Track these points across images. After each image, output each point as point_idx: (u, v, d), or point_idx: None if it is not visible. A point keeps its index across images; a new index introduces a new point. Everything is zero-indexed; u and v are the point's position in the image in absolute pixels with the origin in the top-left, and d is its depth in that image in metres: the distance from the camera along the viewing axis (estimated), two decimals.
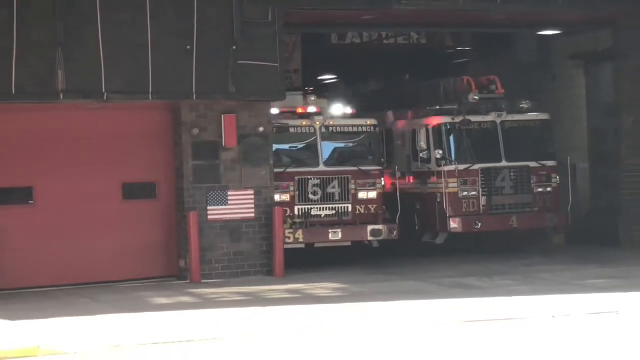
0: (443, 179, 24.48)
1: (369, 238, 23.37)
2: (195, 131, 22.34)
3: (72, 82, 20.65)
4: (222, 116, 22.44)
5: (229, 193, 22.60)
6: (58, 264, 21.43)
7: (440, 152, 24.65)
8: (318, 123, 23.56)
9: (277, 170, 22.77)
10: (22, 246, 21.11)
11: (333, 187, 23.35)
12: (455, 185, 24.70)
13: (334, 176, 23.48)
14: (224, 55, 21.83)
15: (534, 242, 26.36)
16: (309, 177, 23.30)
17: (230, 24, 21.97)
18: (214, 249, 22.26)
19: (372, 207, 23.70)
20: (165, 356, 14.32)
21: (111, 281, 21.68)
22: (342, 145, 24.39)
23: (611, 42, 26.44)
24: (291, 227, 22.43)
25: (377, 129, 24.49)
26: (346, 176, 23.59)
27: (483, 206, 24.98)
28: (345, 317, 17.01)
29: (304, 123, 23.63)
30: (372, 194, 23.74)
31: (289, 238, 22.28)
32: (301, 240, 22.59)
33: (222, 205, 22.46)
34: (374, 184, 23.82)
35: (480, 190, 24.90)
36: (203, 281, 21.72)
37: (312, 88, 27.77)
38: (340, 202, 23.46)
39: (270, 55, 22.20)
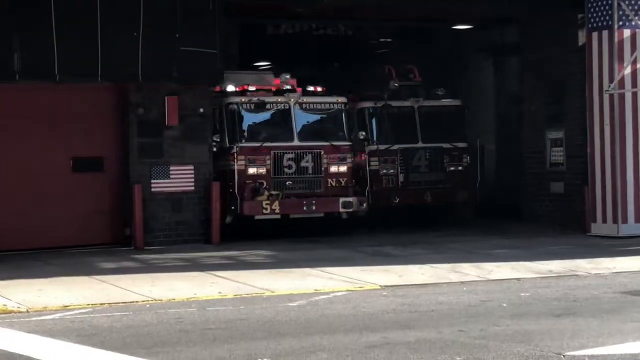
0: (366, 158, 24.34)
1: (341, 210, 22.40)
2: (141, 111, 22.25)
3: (27, 64, 20.62)
4: (165, 97, 22.23)
5: (171, 168, 22.47)
6: (14, 230, 21.07)
7: (364, 133, 24.54)
8: (292, 100, 22.53)
9: (253, 144, 22.17)
10: None
11: (307, 161, 22.33)
12: (377, 163, 24.59)
13: (307, 151, 22.51)
14: (168, 42, 21.72)
15: (446, 216, 26.41)
16: (284, 151, 22.31)
17: (174, 13, 21.78)
18: (157, 219, 22.16)
19: (343, 180, 22.77)
20: (112, 315, 14.26)
21: (62, 246, 21.43)
22: (314, 121, 23.51)
23: (517, 37, 26.60)
24: (268, 199, 21.53)
25: (347, 106, 23.61)
26: (319, 151, 22.57)
27: (401, 182, 25.31)
28: (268, 280, 17.40)
29: (279, 99, 22.62)
30: (343, 168, 22.82)
31: (266, 209, 21.47)
32: (277, 211, 21.65)
33: (164, 178, 22.37)
34: (344, 159, 22.90)
35: (399, 168, 25.19)
36: (146, 248, 21.58)
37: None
38: (313, 175, 22.52)
39: (210, 43, 22.04)
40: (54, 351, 11.51)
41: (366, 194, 23.04)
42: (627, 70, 22.71)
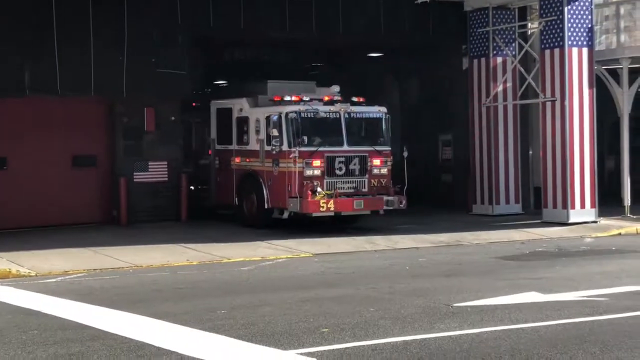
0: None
1: (385, 207, 20.05)
2: (125, 119, 21.96)
3: (35, 81, 20.33)
4: (145, 108, 21.98)
5: (149, 163, 22.14)
6: (26, 211, 20.82)
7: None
8: (342, 109, 20.10)
9: (310, 148, 19.51)
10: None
11: (354, 164, 19.85)
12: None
13: (355, 154, 19.96)
14: (146, 65, 21.42)
15: None
16: (336, 155, 19.76)
17: (151, 42, 21.56)
18: (138, 203, 21.80)
19: (384, 181, 20.24)
20: (102, 278, 14.01)
21: (64, 224, 21.03)
22: (360, 127, 20.75)
23: (416, 63, 26.58)
24: (324, 198, 19.08)
25: (387, 115, 20.99)
26: (365, 154, 20.05)
27: None
28: (226, 250, 17.17)
29: (332, 109, 20.15)
30: (384, 170, 20.30)
31: (323, 207, 18.93)
32: (332, 209, 19.13)
33: (144, 172, 22.05)
34: (385, 162, 20.37)
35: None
36: (129, 226, 21.22)
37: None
38: (360, 176, 19.94)
39: (180, 66, 21.79)
40: (58, 306, 11.36)
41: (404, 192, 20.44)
42: (500, 88, 22.96)
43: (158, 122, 22.26)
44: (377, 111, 20.84)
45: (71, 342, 9.11)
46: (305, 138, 19.44)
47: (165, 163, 22.39)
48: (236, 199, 21.16)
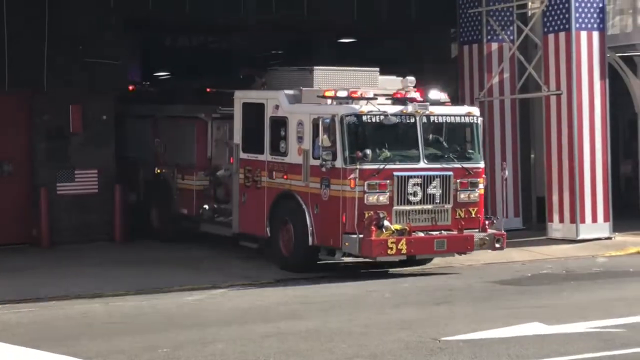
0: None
1: (475, 249, 17.01)
2: (46, 117, 21.68)
3: None
4: (70, 106, 21.74)
5: (76, 171, 21.96)
6: None
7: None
8: (419, 111, 16.78)
9: (374, 166, 16.35)
10: None
11: (434, 187, 16.60)
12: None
13: (436, 174, 16.73)
14: (71, 53, 21.29)
15: None
16: (410, 175, 16.54)
17: (78, 27, 21.39)
18: (62, 220, 21.61)
19: (474, 210, 17.08)
20: (19, 311, 13.97)
21: None
22: (442, 138, 17.37)
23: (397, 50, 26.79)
24: (393, 235, 16.06)
25: (479, 119, 17.90)
26: (448, 174, 16.82)
27: None
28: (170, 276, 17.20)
29: (405, 111, 16.80)
30: (474, 196, 17.08)
31: (391, 249, 15.90)
32: (404, 251, 16.16)
33: (69, 182, 21.88)
34: (476, 184, 17.16)
35: None
36: (52, 247, 21.04)
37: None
38: (440, 204, 16.73)
39: (113, 55, 21.71)
40: None
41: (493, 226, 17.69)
42: (495, 80, 23.11)
43: (86, 122, 22.00)
44: (466, 114, 17.84)
45: None
46: (369, 152, 16.22)
47: (96, 171, 22.17)
48: (268, 228, 17.87)
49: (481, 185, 17.38)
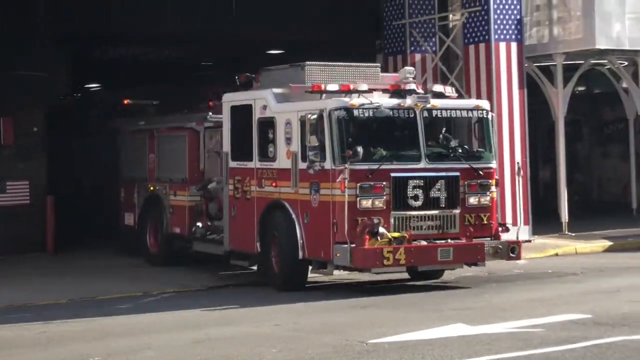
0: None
1: (487, 260, 15.02)
2: None
3: None
4: (1, 118, 21.57)
5: (7, 183, 21.78)
6: None
7: None
8: (419, 104, 14.70)
9: (368, 166, 14.34)
10: None
11: (438, 190, 14.55)
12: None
13: (439, 175, 14.70)
14: (1, 67, 21.04)
15: None
16: (409, 176, 14.50)
17: (6, 39, 21.02)
18: None
19: (485, 216, 15.03)
20: None
21: None
22: (447, 134, 15.55)
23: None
24: (390, 244, 14.12)
25: (490, 114, 15.80)
26: (455, 175, 14.81)
27: None
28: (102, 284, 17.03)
29: (402, 105, 14.77)
30: (486, 199, 15.02)
31: (388, 259, 13.90)
32: (402, 262, 14.14)
33: (0, 193, 21.69)
34: (487, 186, 15.09)
35: None
36: None
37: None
38: (446, 209, 14.70)
39: (41, 67, 21.47)
40: None
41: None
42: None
43: (18, 134, 21.89)
44: (475, 107, 15.88)
45: None
46: (361, 150, 14.18)
47: (27, 182, 22.03)
48: (258, 243, 15.91)
49: (493, 188, 15.32)
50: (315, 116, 14.42)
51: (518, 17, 21.91)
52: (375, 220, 14.06)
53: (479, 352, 10.27)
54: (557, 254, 20.53)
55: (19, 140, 21.94)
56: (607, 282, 16.43)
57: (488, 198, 15.15)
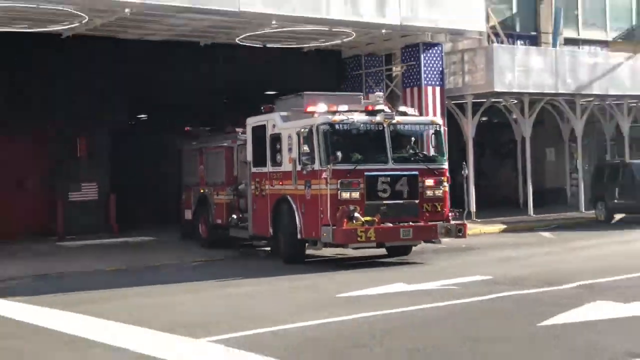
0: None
1: (439, 237, 14.60)
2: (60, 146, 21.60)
3: None
4: (77, 137, 21.74)
5: (82, 184, 21.84)
6: None
7: None
8: (386, 120, 14.35)
9: (346, 166, 13.96)
10: None
11: (401, 185, 14.15)
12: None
13: (402, 173, 14.27)
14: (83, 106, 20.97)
15: None
16: (379, 174, 14.13)
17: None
18: (73, 218, 21.28)
19: (439, 205, 14.55)
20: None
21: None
22: (408, 142, 15.05)
23: None
24: (363, 226, 13.69)
25: (441, 128, 15.43)
26: (415, 173, 14.36)
27: None
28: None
29: (373, 120, 14.42)
30: (439, 192, 14.57)
31: (361, 237, 13.60)
32: (373, 239, 13.80)
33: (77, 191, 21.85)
34: (440, 182, 14.61)
35: None
36: (66, 237, 20.66)
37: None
38: (408, 199, 14.24)
39: (109, 104, 21.51)
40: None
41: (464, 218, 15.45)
42: None
43: (89, 150, 21.89)
44: (430, 122, 15.56)
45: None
46: (340, 154, 13.89)
47: (95, 184, 22.04)
48: (271, 228, 15.52)
49: (445, 184, 14.73)
50: (307, 130, 14.21)
51: (440, 69, 22.20)
52: (352, 208, 13.74)
53: (416, 302, 10.26)
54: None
55: (90, 154, 21.84)
56: (503, 253, 16.45)
57: (441, 191, 14.67)
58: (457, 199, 17.15)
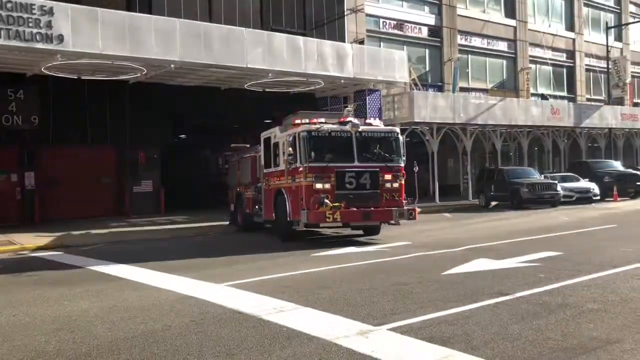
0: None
1: (394, 219, 12.86)
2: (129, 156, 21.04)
3: None
4: (139, 152, 21.14)
5: (142, 181, 21.29)
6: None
7: None
8: (353, 129, 12.93)
9: (320, 164, 12.49)
10: None
11: (365, 179, 12.69)
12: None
13: (366, 170, 12.77)
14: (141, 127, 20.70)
15: None
16: (346, 170, 12.64)
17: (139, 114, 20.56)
18: (136, 204, 20.89)
19: (396, 194, 12.96)
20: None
21: (95, 216, 19.94)
22: (372, 146, 13.21)
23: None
24: (331, 209, 12.26)
25: (399, 135, 13.65)
26: (376, 170, 12.84)
27: None
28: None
29: (343, 128, 13.00)
30: (396, 185, 13.01)
31: (329, 218, 12.19)
32: (339, 220, 12.33)
33: (139, 186, 21.27)
34: (397, 177, 12.99)
35: None
36: (132, 216, 20.13)
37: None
38: (371, 190, 12.76)
39: (161, 128, 21.37)
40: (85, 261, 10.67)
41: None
42: None
43: (147, 159, 21.36)
44: (389, 131, 13.63)
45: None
46: (314, 154, 12.54)
47: (151, 181, 21.48)
48: (273, 213, 14.09)
49: (401, 178, 13.04)
50: (291, 137, 12.88)
51: (379, 106, 22.22)
52: (322, 196, 12.30)
53: (362, 259, 10.02)
54: None
55: (148, 162, 21.44)
56: (418, 227, 15.77)
57: (397, 184, 12.98)
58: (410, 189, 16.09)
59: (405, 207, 12.85)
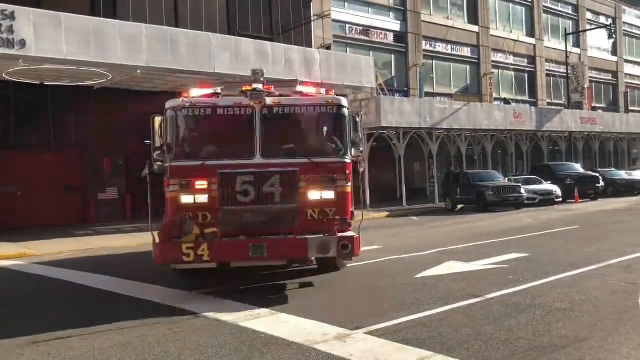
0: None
1: (310, 256, 7.09)
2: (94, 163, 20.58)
3: None
4: (104, 157, 20.71)
5: (107, 188, 20.79)
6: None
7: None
8: (258, 101, 7.17)
9: (189, 163, 7.22)
10: None
11: (271, 186, 6.95)
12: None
13: (274, 170, 7.02)
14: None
15: None
16: (238, 172, 6.96)
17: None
18: (100, 210, 20.43)
19: (331, 211, 7.25)
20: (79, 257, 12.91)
21: (59, 225, 19.21)
22: (293, 130, 7.53)
23: None
24: (195, 241, 6.74)
25: (344, 111, 7.50)
26: (293, 170, 7.06)
27: None
28: None
29: (240, 103, 7.25)
30: (330, 194, 7.21)
31: (188, 256, 6.62)
32: (205, 258, 6.65)
33: (103, 193, 20.86)
34: (332, 181, 7.18)
35: None
36: (96, 224, 19.62)
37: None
38: (283, 204, 7.05)
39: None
40: (61, 274, 10.39)
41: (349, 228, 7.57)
42: None
43: (112, 165, 20.79)
44: (325, 103, 7.55)
45: None
46: (185, 146, 7.52)
47: (116, 188, 20.98)
48: None
49: (343, 182, 7.43)
50: (160, 119, 7.78)
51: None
52: (185, 215, 7.23)
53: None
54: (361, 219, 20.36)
55: (112, 168, 20.95)
56: (388, 231, 16.17)
57: (333, 193, 7.36)
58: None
59: (337, 235, 7.10)
